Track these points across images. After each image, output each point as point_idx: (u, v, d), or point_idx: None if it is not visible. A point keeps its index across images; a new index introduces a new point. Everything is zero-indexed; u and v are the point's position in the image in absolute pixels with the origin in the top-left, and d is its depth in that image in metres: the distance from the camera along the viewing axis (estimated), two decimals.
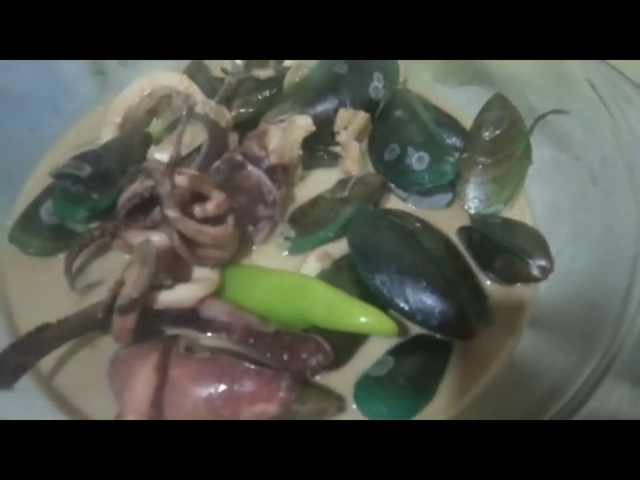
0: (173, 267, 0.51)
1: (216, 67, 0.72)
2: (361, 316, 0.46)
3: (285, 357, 0.47)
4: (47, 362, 0.49)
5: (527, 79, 0.64)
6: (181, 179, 0.49)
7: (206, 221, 0.51)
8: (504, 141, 0.60)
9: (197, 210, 0.51)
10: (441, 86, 0.73)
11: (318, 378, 0.49)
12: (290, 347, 0.47)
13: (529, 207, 0.62)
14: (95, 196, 0.56)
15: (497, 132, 0.60)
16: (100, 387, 0.49)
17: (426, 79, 0.73)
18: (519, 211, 0.61)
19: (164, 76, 0.66)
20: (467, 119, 0.66)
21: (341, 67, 0.65)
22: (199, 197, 0.52)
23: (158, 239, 0.50)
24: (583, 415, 0.39)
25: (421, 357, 0.50)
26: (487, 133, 0.60)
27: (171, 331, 0.51)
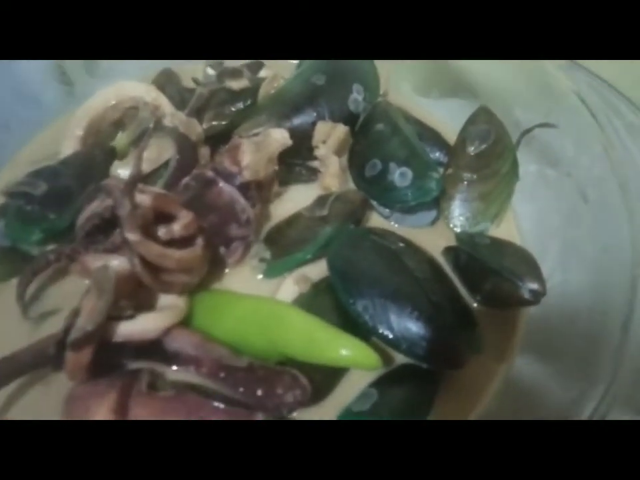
0: (135, 294, 0.46)
1: (186, 77, 0.69)
2: (341, 348, 0.43)
3: (259, 392, 0.43)
4: None
5: (513, 91, 0.62)
6: (143, 198, 0.45)
7: (172, 243, 0.47)
8: (490, 156, 0.57)
9: (162, 231, 0.46)
10: (423, 98, 0.70)
11: (295, 415, 0.45)
12: (264, 381, 0.44)
13: (517, 225, 0.59)
14: (52, 216, 0.52)
15: (483, 146, 0.57)
16: None
17: (407, 91, 0.71)
18: (506, 230, 0.58)
19: (130, 86, 0.62)
20: (450, 133, 0.63)
21: (318, 78, 0.62)
22: (165, 217, 0.48)
23: (118, 263, 0.45)
24: None
25: (406, 389, 0.47)
26: (472, 148, 0.58)
27: (132, 365, 0.46)
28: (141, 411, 0.42)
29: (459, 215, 0.57)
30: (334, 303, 0.49)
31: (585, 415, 0.37)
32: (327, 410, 0.46)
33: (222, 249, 0.53)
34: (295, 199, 0.59)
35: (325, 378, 0.46)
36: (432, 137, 0.64)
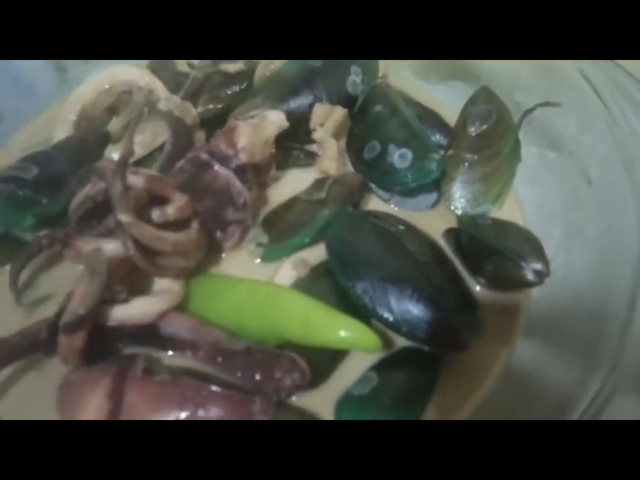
0: (129, 278, 0.46)
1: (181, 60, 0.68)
2: (340, 330, 0.42)
3: (257, 376, 0.43)
4: None
5: (514, 72, 0.60)
6: (136, 180, 0.44)
7: (167, 226, 0.46)
8: (491, 137, 0.56)
9: (156, 214, 0.46)
10: (421, 81, 0.69)
11: (294, 399, 0.45)
12: (262, 365, 0.43)
13: (519, 207, 0.58)
14: (44, 200, 0.51)
15: (484, 127, 0.56)
16: (47, 415, 0.43)
17: (406, 75, 0.69)
18: (508, 211, 0.57)
19: (124, 70, 0.61)
20: (451, 116, 0.62)
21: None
22: (159, 200, 0.47)
23: (112, 247, 0.44)
24: None
25: (407, 372, 0.46)
26: (473, 128, 0.56)
27: (128, 350, 0.45)
28: (137, 396, 0.41)
29: (459, 197, 0.56)
30: (333, 286, 0.48)
31: (587, 398, 0.36)
32: (326, 394, 0.45)
33: (218, 233, 0.52)
34: (293, 183, 0.58)
35: (324, 361, 0.45)
36: (432, 119, 0.62)
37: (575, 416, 0.35)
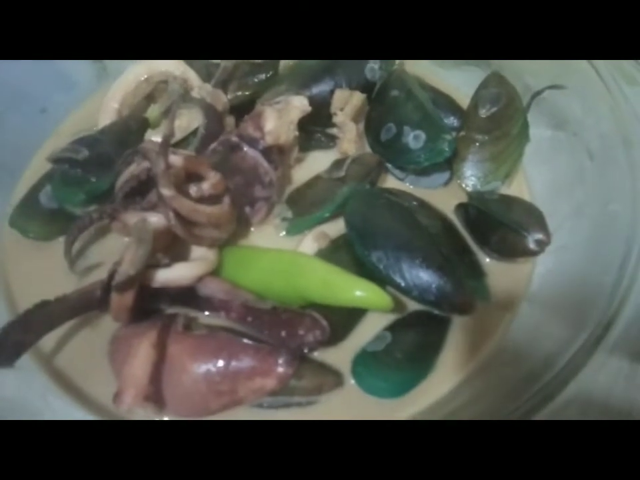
0: (170, 247, 0.51)
1: None
2: (356, 290, 0.46)
3: (283, 333, 0.47)
4: (48, 341, 0.50)
5: None
6: (176, 159, 0.50)
7: (202, 200, 0.51)
8: (501, 118, 0.60)
9: (193, 190, 0.51)
10: (437, 67, 0.72)
11: (315, 354, 0.49)
12: (287, 323, 0.47)
13: (527, 184, 0.61)
14: (93, 179, 0.56)
15: (494, 109, 0.60)
16: (100, 365, 0.49)
17: (423, 60, 0.73)
18: (517, 189, 0.61)
19: (160, 61, 0.66)
20: (464, 100, 0.65)
21: None
22: (195, 178, 0.52)
23: (155, 219, 0.50)
24: (577, 386, 0.39)
25: (418, 332, 0.50)
26: (484, 110, 0.60)
27: (169, 310, 0.51)
28: (178, 347, 0.46)
29: (470, 175, 0.59)
30: (351, 257, 0.53)
31: (573, 349, 0.40)
32: (344, 350, 0.50)
33: (247, 209, 0.57)
34: (315, 164, 0.63)
35: (342, 321, 0.50)
36: (446, 102, 0.66)
37: (560, 366, 0.39)
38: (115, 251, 0.52)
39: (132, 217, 0.51)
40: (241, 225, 0.57)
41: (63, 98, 0.71)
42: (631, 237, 0.46)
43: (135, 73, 0.66)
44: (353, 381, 0.49)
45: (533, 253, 0.52)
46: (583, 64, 0.56)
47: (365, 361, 0.49)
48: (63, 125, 0.70)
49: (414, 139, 0.58)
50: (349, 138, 0.62)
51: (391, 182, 0.62)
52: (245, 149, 0.57)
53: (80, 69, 0.74)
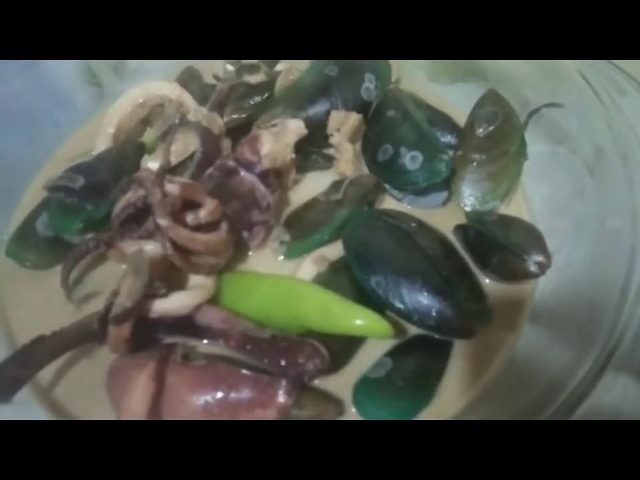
0: (167, 276, 0.51)
1: (207, 74, 0.73)
2: (355, 318, 0.46)
3: (282, 362, 0.47)
4: (46, 374, 0.49)
5: (520, 73, 0.64)
6: (172, 187, 0.49)
7: (199, 228, 0.51)
8: (498, 137, 0.60)
9: (190, 217, 0.51)
10: (434, 84, 0.72)
11: (316, 382, 0.49)
12: (287, 351, 0.47)
13: (527, 202, 0.61)
14: (89, 207, 0.56)
15: (491, 128, 0.60)
16: (98, 397, 0.48)
17: (419, 78, 0.73)
18: (515, 207, 0.61)
19: (156, 85, 0.66)
20: (461, 117, 0.65)
21: (331, 69, 0.65)
22: (192, 205, 0.52)
23: (152, 247, 0.50)
24: (585, 409, 0.38)
25: (419, 358, 0.50)
26: (481, 130, 0.60)
27: (167, 340, 0.51)
28: (177, 379, 0.46)
29: (469, 195, 0.59)
30: (350, 280, 0.52)
31: (582, 373, 0.39)
32: (345, 377, 0.49)
33: (245, 233, 0.57)
34: (312, 185, 0.63)
35: (342, 348, 0.49)
36: (443, 120, 0.66)
37: (568, 391, 0.39)
38: (112, 279, 0.51)
39: (128, 245, 0.51)
40: (238, 249, 0.57)
41: (61, 120, 0.72)
42: (633, 251, 0.46)
43: (131, 97, 0.66)
44: (353, 409, 0.48)
45: (534, 276, 0.51)
46: (577, 79, 0.56)
47: (365, 389, 0.48)
48: (59, 149, 0.70)
49: (411, 159, 0.58)
50: (346, 158, 0.62)
51: (389, 202, 0.62)
52: (242, 173, 0.57)
53: (76, 92, 0.75)
